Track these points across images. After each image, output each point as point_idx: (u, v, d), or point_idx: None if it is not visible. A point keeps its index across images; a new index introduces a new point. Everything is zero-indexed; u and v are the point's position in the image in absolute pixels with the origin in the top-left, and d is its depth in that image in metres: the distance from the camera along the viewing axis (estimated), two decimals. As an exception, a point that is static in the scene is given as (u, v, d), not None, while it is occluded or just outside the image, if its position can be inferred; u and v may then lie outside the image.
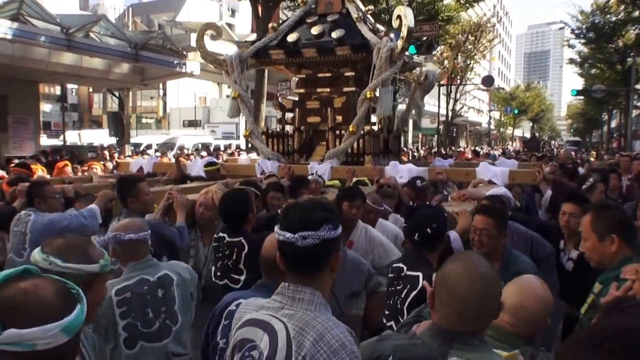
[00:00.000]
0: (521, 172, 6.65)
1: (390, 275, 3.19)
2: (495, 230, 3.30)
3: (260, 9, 17.07)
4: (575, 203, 4.19)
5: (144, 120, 50.05)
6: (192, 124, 45.15)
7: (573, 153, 30.51)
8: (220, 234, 3.68)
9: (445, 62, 8.74)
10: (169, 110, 45.18)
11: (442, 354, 1.69)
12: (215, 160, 8.80)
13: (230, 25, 50.29)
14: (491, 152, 28.43)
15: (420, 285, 2.85)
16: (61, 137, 28.16)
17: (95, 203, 4.46)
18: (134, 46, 16.72)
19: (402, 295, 2.95)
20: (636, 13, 24.50)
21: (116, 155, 16.36)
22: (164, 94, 34.48)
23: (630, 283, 2.34)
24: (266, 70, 16.26)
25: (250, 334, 1.80)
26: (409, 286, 2.94)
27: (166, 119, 45.39)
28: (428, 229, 3.04)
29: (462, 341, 1.68)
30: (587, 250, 2.78)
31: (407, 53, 8.13)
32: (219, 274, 3.62)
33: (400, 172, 6.71)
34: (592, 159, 18.69)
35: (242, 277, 3.46)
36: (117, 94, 21.15)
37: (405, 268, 3.06)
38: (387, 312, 3.08)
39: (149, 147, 24.78)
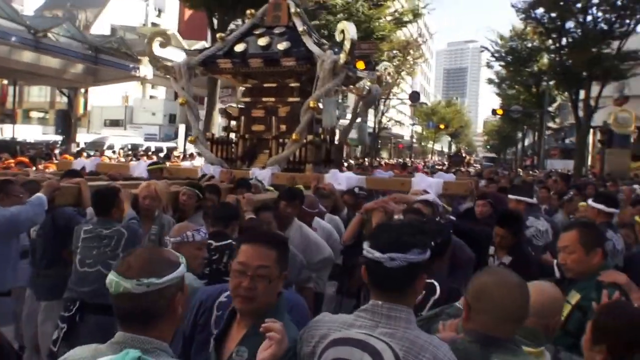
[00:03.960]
0: (455, 183, 7.19)
1: None
2: (275, 268, 2.08)
3: (215, 22, 17.66)
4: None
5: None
6: (114, 123, 43.73)
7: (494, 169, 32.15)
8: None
9: (388, 77, 9.18)
10: (89, 108, 43.40)
11: (484, 358, 1.79)
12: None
13: (155, 25, 49.27)
14: (419, 166, 29.07)
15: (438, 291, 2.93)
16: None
17: (42, 192, 4.37)
18: (94, 49, 17.67)
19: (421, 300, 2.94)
20: (549, 42, 26.31)
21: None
22: (85, 91, 32.64)
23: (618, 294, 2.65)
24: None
25: (346, 354, 1.79)
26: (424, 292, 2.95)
27: (86, 116, 43.44)
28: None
29: (502, 345, 1.81)
30: (571, 262, 2.95)
31: (351, 67, 8.52)
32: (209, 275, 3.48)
33: (339, 179, 7.05)
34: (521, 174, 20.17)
35: None
36: (66, 92, 21.55)
37: None
38: None
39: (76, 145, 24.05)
